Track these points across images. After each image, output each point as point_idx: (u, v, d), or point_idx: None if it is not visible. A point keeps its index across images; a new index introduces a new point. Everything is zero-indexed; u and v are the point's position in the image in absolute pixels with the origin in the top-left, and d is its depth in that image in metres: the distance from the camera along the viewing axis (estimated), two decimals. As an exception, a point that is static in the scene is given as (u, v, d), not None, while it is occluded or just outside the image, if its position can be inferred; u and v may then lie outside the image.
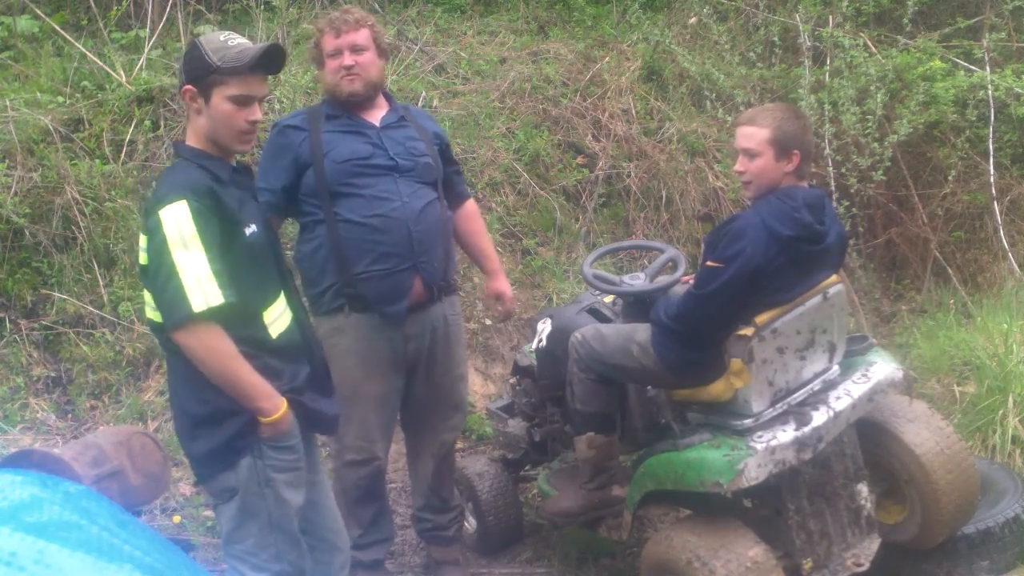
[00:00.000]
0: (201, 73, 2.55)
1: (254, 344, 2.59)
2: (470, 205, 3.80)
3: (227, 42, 2.57)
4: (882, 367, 3.32)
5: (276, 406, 2.57)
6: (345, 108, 3.46)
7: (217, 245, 2.49)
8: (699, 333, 3.07)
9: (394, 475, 4.51)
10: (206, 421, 2.62)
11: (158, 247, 2.46)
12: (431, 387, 3.61)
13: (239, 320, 2.54)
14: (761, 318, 3.00)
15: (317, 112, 3.51)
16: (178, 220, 2.45)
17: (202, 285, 2.43)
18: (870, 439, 3.39)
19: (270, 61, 2.60)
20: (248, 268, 2.59)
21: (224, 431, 2.60)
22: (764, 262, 2.91)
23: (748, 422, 3.07)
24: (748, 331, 2.99)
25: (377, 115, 3.50)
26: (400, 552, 4.17)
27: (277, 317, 2.69)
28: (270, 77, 2.77)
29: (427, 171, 3.47)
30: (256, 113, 2.61)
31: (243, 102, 2.57)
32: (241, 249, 2.57)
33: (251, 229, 2.62)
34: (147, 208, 2.57)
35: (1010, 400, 4.14)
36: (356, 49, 3.41)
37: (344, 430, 3.33)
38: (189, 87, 2.58)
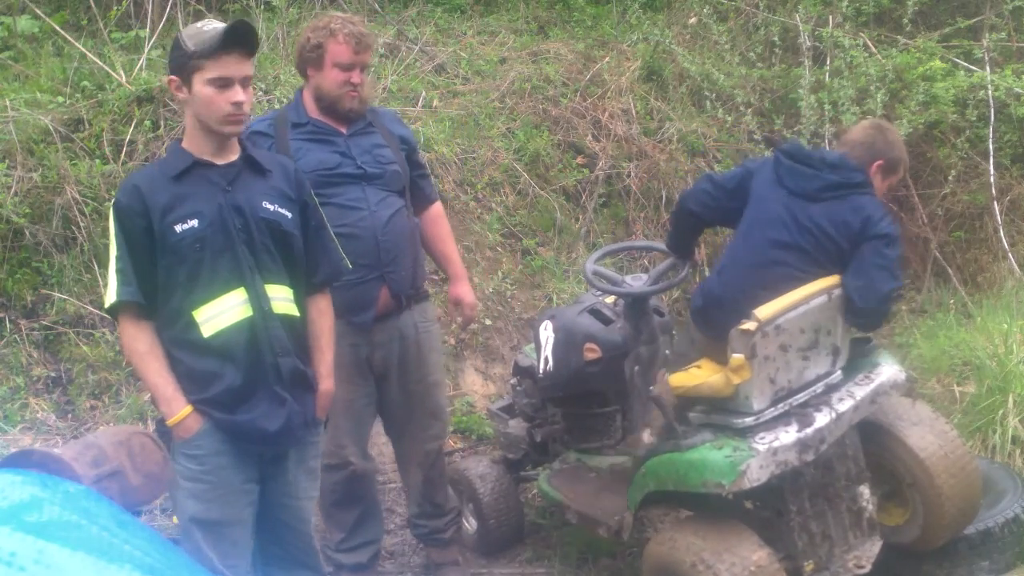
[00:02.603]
0: (182, 61, 2.57)
1: (181, 343, 2.60)
2: (436, 208, 3.71)
3: (203, 27, 2.59)
4: (885, 369, 3.31)
5: (173, 411, 2.58)
6: (311, 115, 3.39)
7: (134, 243, 2.58)
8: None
9: (393, 475, 4.50)
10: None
11: None
12: (406, 395, 3.56)
13: (166, 317, 2.60)
14: (764, 313, 3.00)
15: (283, 118, 3.42)
16: (111, 219, 2.63)
17: (112, 282, 2.59)
18: (874, 441, 3.38)
19: (239, 39, 2.57)
20: (173, 265, 2.58)
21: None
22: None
23: (749, 420, 3.05)
24: (751, 326, 2.98)
25: (344, 122, 3.42)
26: (400, 552, 4.17)
27: (215, 315, 2.61)
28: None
29: (395, 179, 3.43)
30: (238, 94, 2.57)
31: (222, 84, 2.56)
32: (166, 246, 2.58)
33: (186, 226, 2.57)
34: None
35: (1010, 400, 4.13)
36: (365, 68, 3.38)
37: None
38: (173, 77, 2.60)
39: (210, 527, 2.66)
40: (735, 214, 3.36)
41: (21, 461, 3.56)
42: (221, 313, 2.61)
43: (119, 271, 2.58)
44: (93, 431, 4.40)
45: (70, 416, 4.71)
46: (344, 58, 3.30)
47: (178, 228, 2.57)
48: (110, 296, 2.59)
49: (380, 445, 4.30)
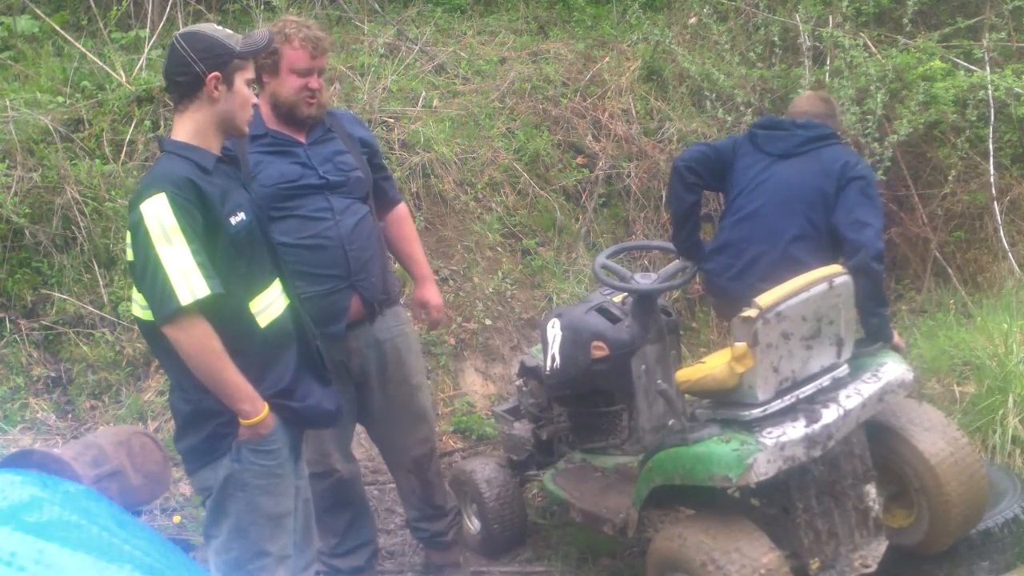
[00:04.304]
0: (225, 59, 2.59)
1: (241, 337, 2.57)
2: (400, 210, 3.67)
3: (225, 31, 2.66)
4: (892, 368, 3.30)
5: (257, 409, 2.56)
6: (269, 125, 3.31)
7: (200, 236, 2.49)
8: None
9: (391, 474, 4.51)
10: (190, 419, 2.66)
11: (141, 242, 2.47)
12: (388, 400, 3.52)
13: (226, 313, 2.54)
14: (765, 300, 3.00)
15: None
16: (159, 213, 2.45)
17: (187, 278, 2.43)
18: (883, 443, 3.37)
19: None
20: (234, 258, 2.58)
21: (204, 430, 2.62)
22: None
23: (756, 412, 3.04)
24: (752, 313, 2.98)
25: (303, 130, 3.35)
26: (400, 552, 4.17)
27: (267, 305, 2.66)
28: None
29: (359, 185, 3.38)
30: (254, 96, 2.72)
31: (251, 85, 2.69)
32: (226, 239, 2.56)
33: (238, 218, 2.60)
34: (130, 203, 2.57)
35: (1010, 400, 4.13)
36: (322, 72, 3.32)
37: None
38: (217, 74, 2.58)
39: (278, 521, 2.70)
40: (725, 182, 3.64)
41: (21, 461, 3.56)
42: (271, 304, 2.67)
43: (201, 264, 2.44)
44: (93, 431, 4.42)
45: (70, 416, 4.72)
46: (301, 63, 3.23)
47: (233, 221, 2.59)
48: (199, 290, 2.43)
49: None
